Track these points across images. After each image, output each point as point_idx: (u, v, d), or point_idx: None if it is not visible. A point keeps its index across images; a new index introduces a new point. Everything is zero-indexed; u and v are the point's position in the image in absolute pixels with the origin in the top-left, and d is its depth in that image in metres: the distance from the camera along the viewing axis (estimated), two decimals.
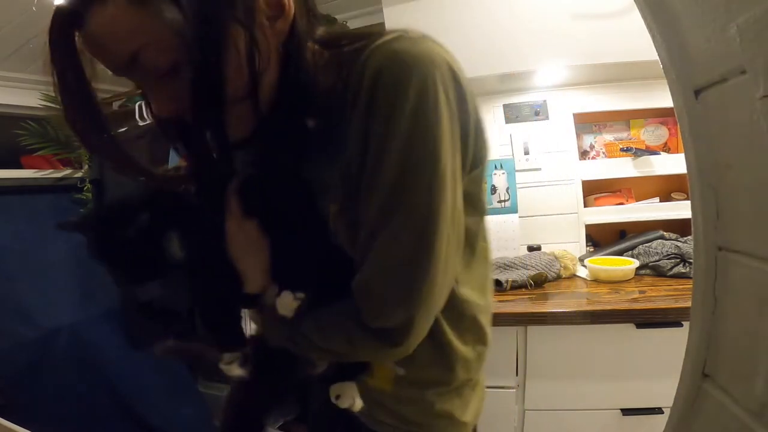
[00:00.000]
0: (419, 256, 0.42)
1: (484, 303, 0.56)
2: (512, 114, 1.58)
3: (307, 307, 0.51)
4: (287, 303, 0.51)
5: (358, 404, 0.58)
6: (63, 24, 0.39)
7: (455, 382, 0.56)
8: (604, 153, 1.59)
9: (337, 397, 0.58)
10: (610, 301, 1.11)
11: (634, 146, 1.51)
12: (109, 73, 0.41)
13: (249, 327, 0.62)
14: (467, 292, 0.53)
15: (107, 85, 2.04)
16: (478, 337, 0.56)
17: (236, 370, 0.56)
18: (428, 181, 0.41)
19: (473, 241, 0.53)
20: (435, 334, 0.51)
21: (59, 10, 0.39)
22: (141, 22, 0.38)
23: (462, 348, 0.54)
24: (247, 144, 0.48)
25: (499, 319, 1.10)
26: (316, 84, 0.46)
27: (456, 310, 0.52)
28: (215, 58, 0.39)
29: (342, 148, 0.44)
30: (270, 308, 0.51)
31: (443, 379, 0.55)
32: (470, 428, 0.61)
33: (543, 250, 1.46)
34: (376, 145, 0.41)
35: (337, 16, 1.60)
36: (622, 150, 1.52)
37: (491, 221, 1.54)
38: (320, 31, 0.49)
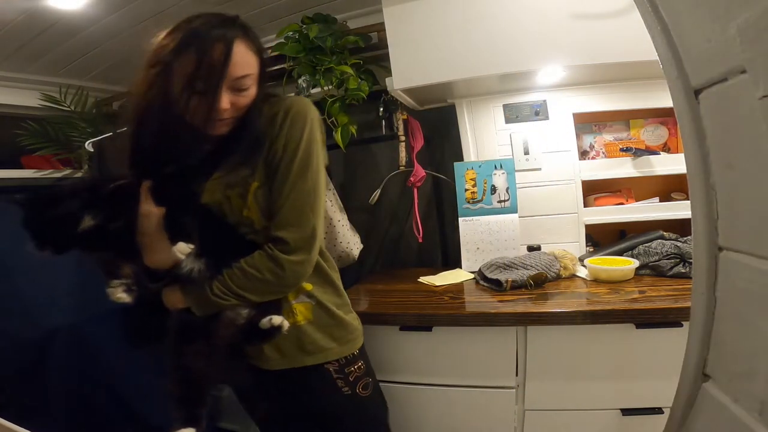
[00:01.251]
0: (314, 199, 0.81)
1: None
2: (512, 114, 1.58)
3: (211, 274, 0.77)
4: (182, 248, 0.75)
5: (286, 324, 0.85)
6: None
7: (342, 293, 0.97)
8: (604, 153, 1.59)
9: (270, 320, 0.82)
10: (610, 301, 1.11)
11: (633, 146, 1.51)
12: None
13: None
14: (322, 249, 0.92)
15: (107, 85, 2.05)
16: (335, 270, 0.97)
17: (120, 294, 0.79)
18: (315, 166, 0.81)
19: None
20: (321, 271, 0.91)
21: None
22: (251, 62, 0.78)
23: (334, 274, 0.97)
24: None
25: (499, 319, 1.11)
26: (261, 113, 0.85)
27: (324, 256, 0.94)
28: (263, 90, 0.83)
29: (266, 148, 0.81)
30: (184, 276, 0.76)
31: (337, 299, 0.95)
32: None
33: (543, 250, 1.46)
34: (290, 147, 0.80)
35: (337, 17, 1.58)
36: (621, 150, 1.52)
37: (491, 221, 1.56)
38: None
